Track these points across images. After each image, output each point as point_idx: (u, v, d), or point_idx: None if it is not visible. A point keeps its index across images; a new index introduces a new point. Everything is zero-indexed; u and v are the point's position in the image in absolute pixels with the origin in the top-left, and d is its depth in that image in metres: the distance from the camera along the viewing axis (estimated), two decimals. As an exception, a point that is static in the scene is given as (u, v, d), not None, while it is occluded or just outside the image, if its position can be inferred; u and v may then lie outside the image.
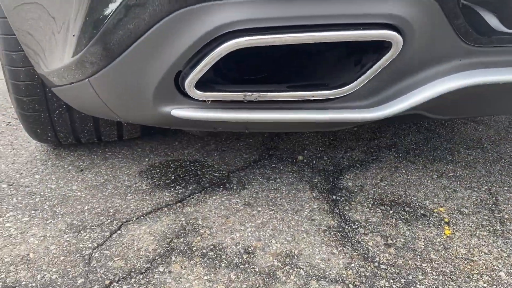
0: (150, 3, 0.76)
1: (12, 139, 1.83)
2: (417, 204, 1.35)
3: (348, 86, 0.83)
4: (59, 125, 1.51)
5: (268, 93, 0.84)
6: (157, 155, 1.68)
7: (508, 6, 0.79)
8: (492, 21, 0.79)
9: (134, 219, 1.26)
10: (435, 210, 1.32)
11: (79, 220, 1.26)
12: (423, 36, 0.78)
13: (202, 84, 0.84)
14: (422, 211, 1.31)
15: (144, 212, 1.30)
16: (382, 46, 0.79)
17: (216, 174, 1.53)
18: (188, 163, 1.61)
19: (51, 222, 1.25)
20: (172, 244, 1.15)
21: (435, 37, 0.80)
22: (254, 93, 0.83)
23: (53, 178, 1.50)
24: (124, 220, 1.26)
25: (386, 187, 1.45)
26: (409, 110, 0.90)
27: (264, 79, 0.95)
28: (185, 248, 1.13)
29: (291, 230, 1.21)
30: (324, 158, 1.67)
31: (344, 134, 1.90)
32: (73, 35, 0.90)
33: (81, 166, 1.59)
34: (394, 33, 0.76)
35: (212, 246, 1.14)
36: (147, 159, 1.64)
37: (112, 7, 0.81)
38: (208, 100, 0.86)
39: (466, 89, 0.84)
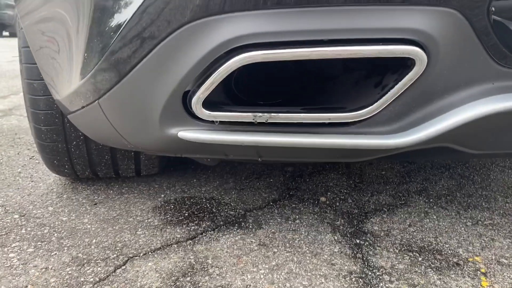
0: (154, 22, 0.74)
1: (32, 172, 1.82)
2: (449, 252, 1.23)
3: (368, 109, 0.76)
4: (76, 156, 1.49)
5: (280, 114, 0.78)
6: (174, 191, 1.62)
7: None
8: (528, 39, 0.72)
9: (141, 254, 1.19)
10: (470, 259, 1.19)
11: (85, 253, 1.19)
12: (450, 55, 0.72)
13: (211, 104, 0.79)
14: (455, 260, 1.19)
15: (153, 248, 1.22)
16: (405, 65, 0.73)
17: (232, 213, 1.45)
18: (204, 200, 1.54)
19: (55, 254, 1.19)
20: (177, 283, 1.06)
21: (464, 56, 0.72)
22: (265, 114, 0.78)
23: (66, 211, 1.46)
24: (130, 255, 1.18)
25: (415, 233, 1.33)
26: (436, 139, 0.81)
27: (278, 103, 0.90)
28: (191, 287, 1.04)
29: (308, 274, 1.11)
30: (349, 200, 1.57)
31: (371, 177, 1.80)
32: (84, 56, 0.88)
33: (95, 200, 1.55)
34: (418, 49, 0.69)
35: (220, 287, 1.05)
36: (162, 195, 1.59)
37: (117, 27, 0.79)
38: (217, 121, 0.81)
39: (499, 115, 0.75)
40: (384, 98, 0.75)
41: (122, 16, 0.78)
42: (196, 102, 0.77)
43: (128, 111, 0.88)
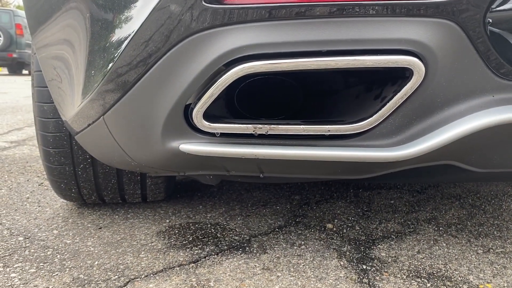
0: (153, 39, 0.76)
1: (40, 198, 1.84)
2: (459, 278, 1.19)
3: (367, 121, 0.76)
4: (83, 180, 1.50)
5: (280, 126, 0.78)
6: (179, 217, 1.61)
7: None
8: (526, 50, 0.72)
9: (143, 276, 1.17)
10: (481, 286, 1.15)
11: (86, 274, 1.18)
12: (449, 66, 0.72)
13: (212, 117, 0.80)
14: (465, 287, 1.14)
15: (155, 270, 1.21)
16: (403, 76, 0.73)
17: (236, 238, 1.43)
18: (209, 225, 1.53)
19: (57, 274, 1.18)
20: (178, 304, 1.04)
21: (462, 67, 0.73)
22: (265, 126, 0.78)
23: (70, 234, 1.45)
24: (132, 277, 1.17)
25: (423, 259, 1.30)
26: (437, 154, 0.80)
27: (279, 118, 0.90)
28: (191, 309, 1.02)
29: (312, 297, 1.08)
30: (356, 227, 1.54)
31: (380, 206, 1.78)
32: (89, 75, 0.91)
33: (100, 224, 1.54)
34: (415, 60, 0.70)
35: (221, 309, 1.02)
36: (168, 221, 1.58)
37: (120, 45, 0.81)
38: (217, 133, 0.82)
39: (500, 128, 0.75)
40: (383, 109, 0.75)
41: (122, 36, 0.80)
42: (197, 113, 0.78)
43: (131, 125, 0.89)
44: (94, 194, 1.58)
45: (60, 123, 1.37)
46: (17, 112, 4.78)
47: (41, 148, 1.46)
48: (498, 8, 0.70)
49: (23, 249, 1.34)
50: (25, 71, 14.77)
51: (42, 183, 2.06)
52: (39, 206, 1.73)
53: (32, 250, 1.33)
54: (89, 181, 1.51)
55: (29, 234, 1.45)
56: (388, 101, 0.74)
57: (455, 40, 0.71)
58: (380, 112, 0.75)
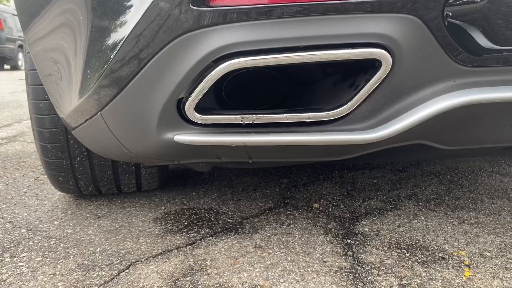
0: (147, 39, 0.83)
1: (37, 192, 1.90)
2: (435, 247, 1.29)
3: (343, 108, 0.85)
4: (80, 172, 1.57)
5: (265, 116, 0.86)
6: (173, 204, 1.70)
7: (494, 20, 0.81)
8: (481, 39, 0.81)
9: (143, 259, 1.25)
10: (455, 254, 1.26)
11: (90, 260, 1.26)
12: (413, 56, 0.81)
13: (203, 109, 0.88)
14: (440, 254, 1.25)
15: (154, 253, 1.29)
16: (374, 66, 0.82)
17: (229, 220, 1.52)
18: (202, 210, 1.61)
19: (62, 261, 1.26)
20: (178, 282, 1.13)
21: (426, 56, 0.81)
22: (252, 116, 0.86)
23: (71, 224, 1.53)
24: (133, 260, 1.25)
25: (403, 232, 1.40)
26: (408, 134, 0.89)
27: (264, 108, 0.98)
28: (191, 286, 1.11)
29: (301, 270, 1.17)
30: (341, 206, 1.64)
31: (363, 185, 1.88)
32: (86, 73, 0.98)
33: (98, 214, 1.62)
34: (383, 51, 0.78)
35: (218, 285, 1.11)
36: (163, 208, 1.66)
37: (115, 45, 0.88)
38: (208, 123, 0.90)
39: (461, 109, 0.84)
40: (357, 96, 0.84)
41: (118, 36, 0.87)
42: (189, 107, 0.86)
43: (128, 119, 0.97)
44: (91, 185, 1.65)
45: (56, 119, 1.43)
46: (4, 108, 4.78)
47: (38, 144, 1.52)
48: (454, 2, 0.79)
49: (27, 240, 1.41)
50: (6, 66, 14.57)
51: (38, 177, 2.12)
52: (38, 200, 1.79)
53: (36, 241, 1.40)
54: (86, 173, 1.58)
55: (31, 226, 1.52)
56: (361, 89, 0.83)
57: (418, 32, 0.79)
58: (354, 99, 0.84)
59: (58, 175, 1.58)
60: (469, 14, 0.80)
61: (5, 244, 1.37)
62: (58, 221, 1.57)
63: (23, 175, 2.16)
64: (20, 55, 14.01)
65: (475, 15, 0.80)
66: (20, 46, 13.80)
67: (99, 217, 1.59)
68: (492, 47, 0.82)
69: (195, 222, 1.51)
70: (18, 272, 1.21)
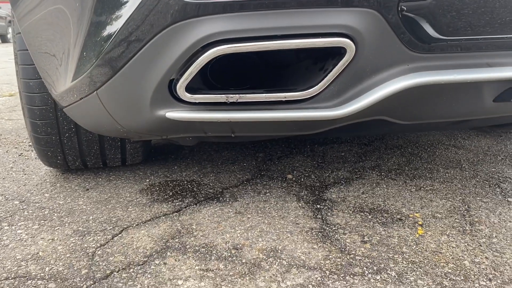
0: (142, 26, 0.94)
1: (24, 167, 1.98)
2: (394, 211, 1.47)
3: (314, 88, 0.99)
4: (68, 147, 1.66)
5: (247, 95, 0.99)
6: (157, 176, 1.82)
7: (439, 14, 0.96)
8: (429, 29, 0.96)
9: (134, 225, 1.38)
10: (411, 215, 1.44)
11: (84, 227, 1.38)
12: (373, 44, 0.95)
13: (192, 89, 1.00)
14: (398, 216, 1.43)
15: (143, 220, 1.42)
16: (340, 53, 0.96)
17: (211, 191, 1.66)
18: (185, 182, 1.75)
19: (58, 228, 1.37)
20: (168, 244, 1.26)
21: (384, 44, 0.96)
22: (235, 95, 0.99)
23: (61, 196, 1.63)
24: (125, 226, 1.38)
25: (366, 198, 1.57)
26: (369, 111, 1.05)
27: (246, 89, 1.12)
28: (180, 246, 1.25)
29: (277, 231, 1.33)
30: (312, 176, 1.80)
31: (332, 158, 2.04)
32: (83, 54, 1.08)
33: (87, 186, 1.72)
34: (347, 40, 0.92)
35: (204, 244, 1.25)
36: (147, 180, 1.78)
37: (114, 29, 0.99)
38: (197, 102, 1.02)
39: (413, 89, 0.99)
40: (326, 79, 0.98)
41: (115, 25, 0.98)
42: (180, 87, 0.98)
43: (123, 98, 1.08)
44: (78, 160, 1.75)
45: (45, 97, 1.52)
46: (-26, 85, 4.71)
47: (28, 121, 1.61)
48: (407, -1, 0.93)
49: (21, 210, 1.51)
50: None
51: (22, 153, 2.19)
52: (25, 174, 1.88)
53: (30, 211, 1.51)
54: (74, 148, 1.68)
55: (23, 198, 1.62)
56: (329, 72, 0.97)
57: (377, 24, 0.93)
58: (324, 80, 0.98)
59: (47, 150, 1.67)
60: (420, 9, 0.95)
61: (1, 215, 1.47)
62: (48, 193, 1.67)
63: (6, 152, 2.22)
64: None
65: (424, 10, 0.95)
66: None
67: (87, 189, 1.70)
68: (438, 37, 0.97)
69: (179, 192, 1.64)
70: (19, 238, 1.32)
